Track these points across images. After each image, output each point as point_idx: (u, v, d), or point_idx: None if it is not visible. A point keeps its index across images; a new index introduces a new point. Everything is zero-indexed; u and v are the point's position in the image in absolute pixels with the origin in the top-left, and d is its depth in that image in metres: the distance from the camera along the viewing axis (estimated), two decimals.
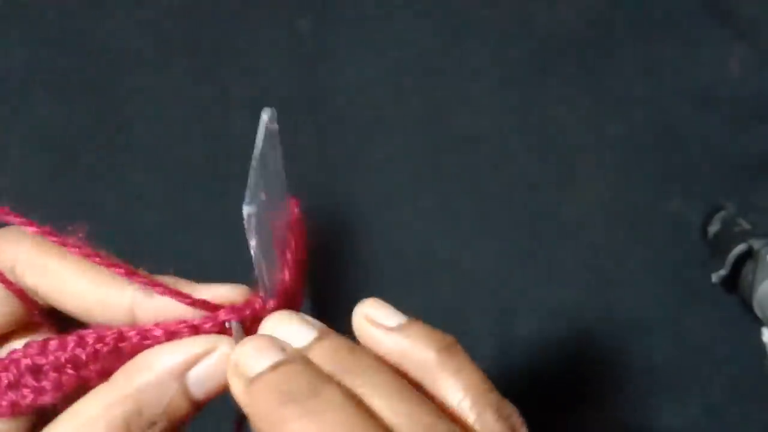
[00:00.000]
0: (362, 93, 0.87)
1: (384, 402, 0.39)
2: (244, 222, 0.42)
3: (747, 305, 0.77)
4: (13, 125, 0.85)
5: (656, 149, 0.86)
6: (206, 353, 0.42)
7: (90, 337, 0.43)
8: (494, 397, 0.41)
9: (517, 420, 0.41)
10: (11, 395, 0.43)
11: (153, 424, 0.42)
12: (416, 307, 0.85)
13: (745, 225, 0.79)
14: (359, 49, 0.88)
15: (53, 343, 0.43)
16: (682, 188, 0.85)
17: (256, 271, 0.43)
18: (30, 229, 0.43)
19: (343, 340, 0.42)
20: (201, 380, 0.42)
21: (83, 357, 0.42)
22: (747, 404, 0.80)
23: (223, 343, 0.43)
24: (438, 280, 0.82)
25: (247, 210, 0.42)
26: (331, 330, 0.43)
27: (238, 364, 0.41)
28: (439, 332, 0.43)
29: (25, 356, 0.43)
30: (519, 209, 0.85)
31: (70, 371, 0.42)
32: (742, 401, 0.80)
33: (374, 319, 0.44)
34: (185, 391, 0.42)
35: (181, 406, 0.42)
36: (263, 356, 0.40)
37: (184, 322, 0.43)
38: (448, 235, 0.84)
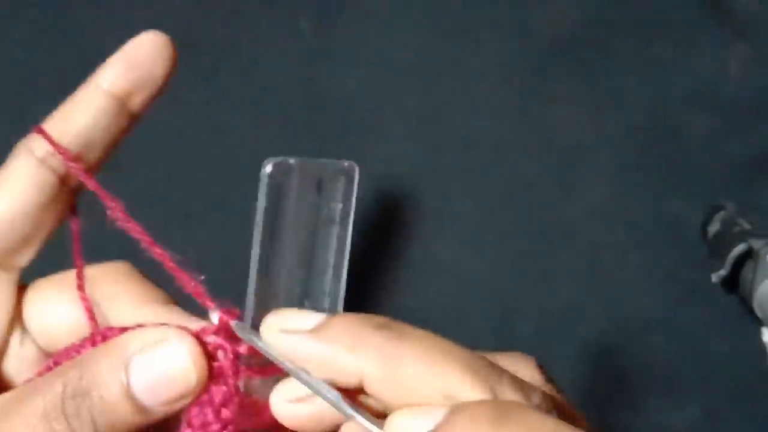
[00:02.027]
0: (362, 93, 0.87)
1: None
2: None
3: (747, 305, 0.77)
4: (13, 125, 0.85)
5: (656, 149, 0.86)
6: (156, 342, 0.39)
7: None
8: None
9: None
10: None
11: (86, 394, 0.39)
12: (417, 307, 0.85)
13: (745, 225, 0.79)
14: (359, 49, 0.88)
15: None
16: (682, 188, 0.85)
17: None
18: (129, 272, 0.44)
19: None
20: (143, 375, 0.39)
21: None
22: (746, 404, 0.80)
23: (177, 336, 0.39)
24: (438, 280, 0.82)
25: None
26: None
27: None
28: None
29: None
30: (519, 209, 0.85)
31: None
32: (742, 401, 0.80)
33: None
34: (128, 391, 0.38)
35: (119, 408, 0.38)
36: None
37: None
38: (448, 235, 0.84)
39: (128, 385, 0.38)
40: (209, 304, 0.41)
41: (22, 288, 0.46)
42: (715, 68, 0.88)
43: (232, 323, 0.40)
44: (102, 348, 0.40)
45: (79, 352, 0.41)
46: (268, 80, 0.88)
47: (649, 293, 0.82)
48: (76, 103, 0.48)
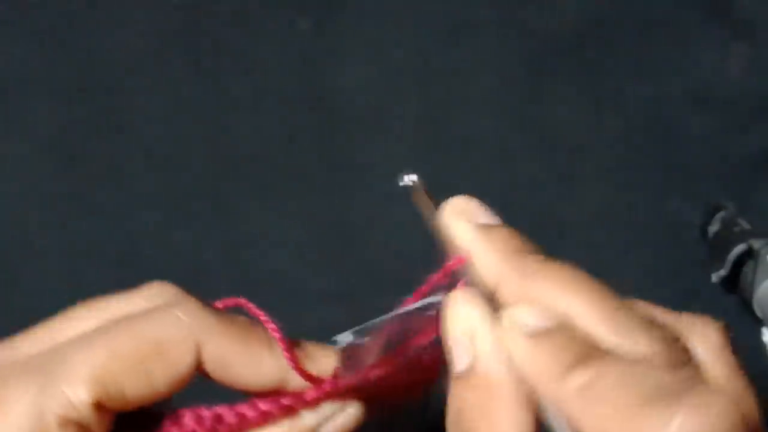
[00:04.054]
0: (362, 93, 0.87)
1: None
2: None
3: (747, 305, 0.77)
4: (13, 125, 0.85)
5: (656, 149, 0.86)
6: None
7: (188, 417, 0.43)
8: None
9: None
10: None
11: None
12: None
13: (745, 225, 0.79)
14: (359, 49, 0.88)
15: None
16: (682, 188, 0.85)
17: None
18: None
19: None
20: None
21: None
22: None
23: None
24: None
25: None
26: None
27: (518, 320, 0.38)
28: None
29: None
30: (519, 209, 0.85)
31: None
32: None
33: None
34: None
35: None
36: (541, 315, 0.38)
37: (276, 401, 0.43)
38: None
39: None
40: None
41: None
42: (715, 68, 0.88)
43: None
44: None
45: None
46: (268, 80, 0.88)
47: (649, 293, 0.82)
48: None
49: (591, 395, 0.36)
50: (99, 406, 0.41)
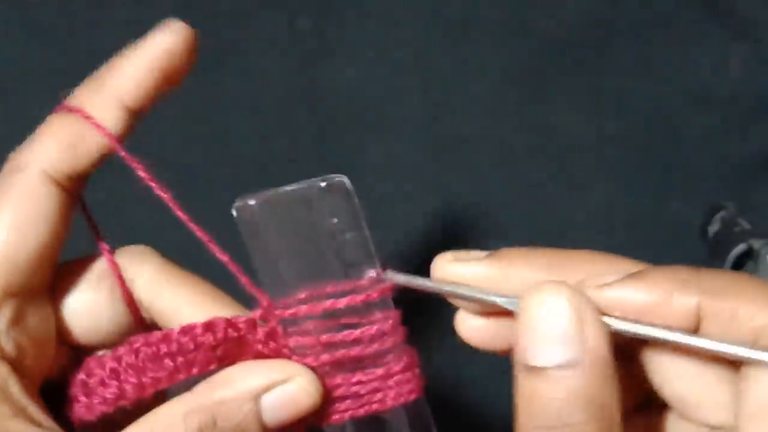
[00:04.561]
0: (362, 93, 0.87)
1: None
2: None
3: None
4: (13, 125, 0.85)
5: (656, 149, 0.86)
6: (284, 381, 0.44)
7: (198, 328, 0.45)
8: None
9: None
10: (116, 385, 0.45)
11: None
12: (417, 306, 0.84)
13: (745, 225, 0.79)
14: (359, 49, 0.88)
15: (175, 331, 0.45)
16: (682, 188, 0.85)
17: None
18: (156, 252, 0.48)
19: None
20: (274, 406, 0.43)
21: (208, 342, 0.44)
22: None
23: (301, 374, 0.44)
24: None
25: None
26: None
27: (528, 348, 0.37)
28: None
29: (147, 344, 0.45)
30: (519, 209, 0.85)
31: (184, 358, 0.44)
32: None
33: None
34: (257, 413, 0.43)
35: (250, 427, 0.43)
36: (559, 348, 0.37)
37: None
38: (448, 234, 0.84)
39: (261, 419, 0.43)
40: (254, 291, 0.45)
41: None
42: (715, 68, 0.88)
43: (388, 273, 0.45)
44: (222, 383, 0.44)
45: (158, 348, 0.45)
46: (268, 80, 0.88)
47: None
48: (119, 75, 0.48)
49: None
50: (6, 295, 0.44)
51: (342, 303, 0.44)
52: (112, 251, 0.48)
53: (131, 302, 0.47)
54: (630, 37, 0.89)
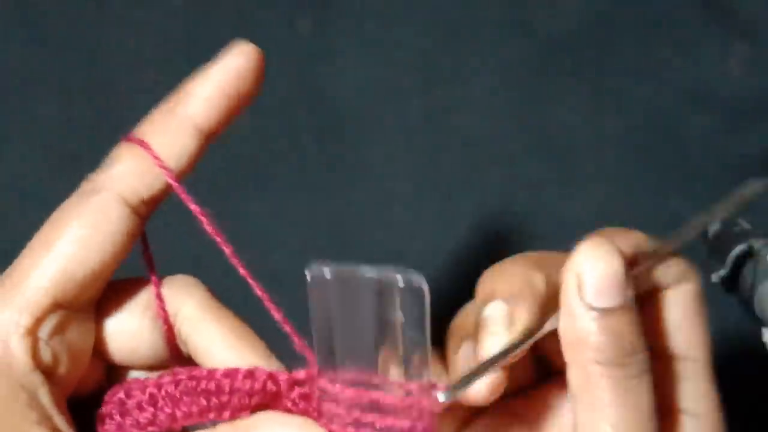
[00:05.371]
0: (362, 93, 0.87)
1: None
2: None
3: (747, 305, 0.77)
4: (13, 125, 0.85)
5: (656, 149, 0.86)
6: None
7: (240, 374, 0.45)
8: None
9: None
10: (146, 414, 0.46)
11: None
12: None
13: (745, 225, 0.79)
14: (359, 49, 0.88)
15: (219, 372, 0.45)
16: (682, 188, 0.85)
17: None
18: (202, 286, 0.48)
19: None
20: None
21: (246, 388, 0.45)
22: (746, 404, 0.80)
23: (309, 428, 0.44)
24: (438, 280, 0.82)
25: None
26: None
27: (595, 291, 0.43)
28: None
29: (190, 378, 0.45)
30: (519, 209, 0.85)
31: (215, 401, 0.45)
32: (742, 401, 0.80)
33: None
34: None
35: None
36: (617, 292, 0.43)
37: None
38: (448, 235, 0.84)
39: None
40: (306, 353, 0.46)
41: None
42: (715, 68, 0.88)
43: (441, 395, 0.43)
44: (243, 429, 0.44)
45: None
46: (268, 80, 0.87)
47: None
48: (164, 137, 0.49)
49: None
50: (56, 306, 0.44)
51: (388, 399, 0.43)
52: (160, 279, 0.49)
53: (171, 333, 0.48)
54: (630, 37, 0.89)
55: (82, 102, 0.85)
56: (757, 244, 0.76)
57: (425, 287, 0.43)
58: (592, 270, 0.43)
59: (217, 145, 0.92)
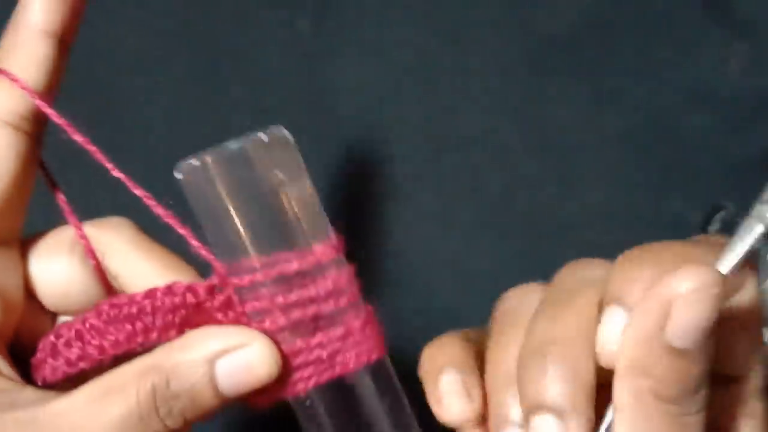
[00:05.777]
0: (362, 93, 0.87)
1: None
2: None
3: None
4: None
5: (656, 149, 0.86)
6: (239, 346, 0.44)
7: (158, 291, 0.46)
8: None
9: None
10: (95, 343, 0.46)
11: (176, 397, 0.43)
12: (416, 307, 0.85)
13: None
14: (359, 49, 0.88)
15: (140, 294, 0.46)
16: (682, 188, 0.85)
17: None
18: (132, 225, 0.49)
19: None
20: (229, 372, 0.44)
21: (191, 302, 0.45)
22: None
23: (257, 340, 0.44)
24: (438, 280, 0.82)
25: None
26: None
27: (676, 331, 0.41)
28: None
29: (111, 306, 0.46)
30: (519, 209, 0.85)
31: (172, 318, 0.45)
32: None
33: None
34: (212, 378, 0.44)
35: (204, 391, 0.44)
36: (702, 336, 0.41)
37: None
38: (448, 235, 0.84)
39: (216, 385, 0.44)
40: (204, 253, 0.47)
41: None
42: (715, 68, 0.88)
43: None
44: (179, 347, 0.44)
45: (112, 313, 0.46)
46: (268, 80, 0.88)
47: None
48: (17, 53, 0.48)
49: None
50: None
51: (294, 266, 0.44)
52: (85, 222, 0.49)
53: (101, 273, 0.48)
54: (630, 37, 0.89)
55: (82, 102, 0.85)
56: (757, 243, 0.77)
57: (289, 135, 0.44)
58: (688, 311, 0.40)
59: (217, 144, 0.92)
